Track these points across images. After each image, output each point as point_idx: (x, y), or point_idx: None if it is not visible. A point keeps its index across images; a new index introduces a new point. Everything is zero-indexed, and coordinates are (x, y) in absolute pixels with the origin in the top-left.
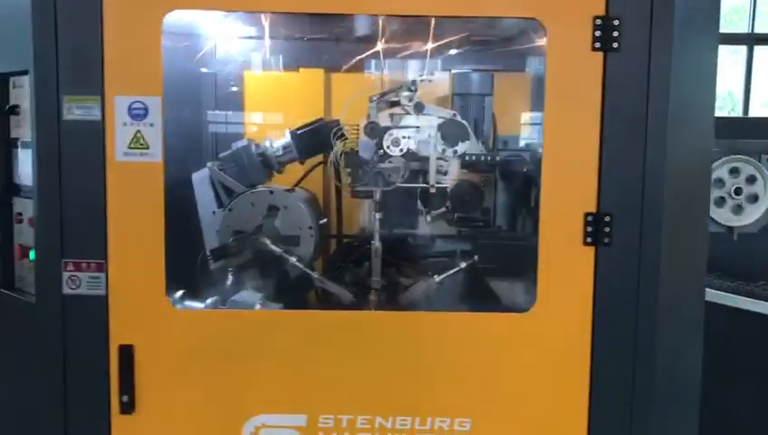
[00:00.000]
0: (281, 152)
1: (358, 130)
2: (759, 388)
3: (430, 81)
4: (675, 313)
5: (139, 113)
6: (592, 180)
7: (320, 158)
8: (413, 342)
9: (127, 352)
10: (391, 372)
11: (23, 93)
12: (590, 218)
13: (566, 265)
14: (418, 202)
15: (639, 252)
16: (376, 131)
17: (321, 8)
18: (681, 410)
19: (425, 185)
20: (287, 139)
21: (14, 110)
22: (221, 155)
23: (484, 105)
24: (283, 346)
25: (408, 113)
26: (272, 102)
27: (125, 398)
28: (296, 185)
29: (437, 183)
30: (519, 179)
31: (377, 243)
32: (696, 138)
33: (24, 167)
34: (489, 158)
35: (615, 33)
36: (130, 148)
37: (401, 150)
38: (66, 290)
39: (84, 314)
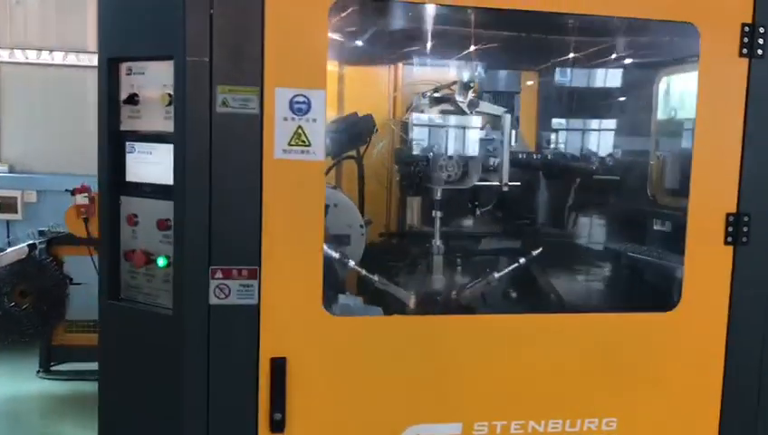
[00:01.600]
0: None
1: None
2: None
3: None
4: None
5: (301, 108)
6: (734, 181)
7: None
8: (561, 344)
9: (280, 366)
10: (542, 376)
11: (142, 81)
12: (730, 218)
13: (708, 265)
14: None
15: None
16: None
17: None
18: None
19: (497, 183)
20: None
21: (134, 99)
22: None
23: (514, 103)
24: (440, 353)
25: (457, 111)
26: None
27: (277, 416)
28: None
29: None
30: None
31: (438, 241)
32: None
33: (141, 163)
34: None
35: (760, 41)
36: (290, 145)
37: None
38: (213, 300)
39: (233, 326)
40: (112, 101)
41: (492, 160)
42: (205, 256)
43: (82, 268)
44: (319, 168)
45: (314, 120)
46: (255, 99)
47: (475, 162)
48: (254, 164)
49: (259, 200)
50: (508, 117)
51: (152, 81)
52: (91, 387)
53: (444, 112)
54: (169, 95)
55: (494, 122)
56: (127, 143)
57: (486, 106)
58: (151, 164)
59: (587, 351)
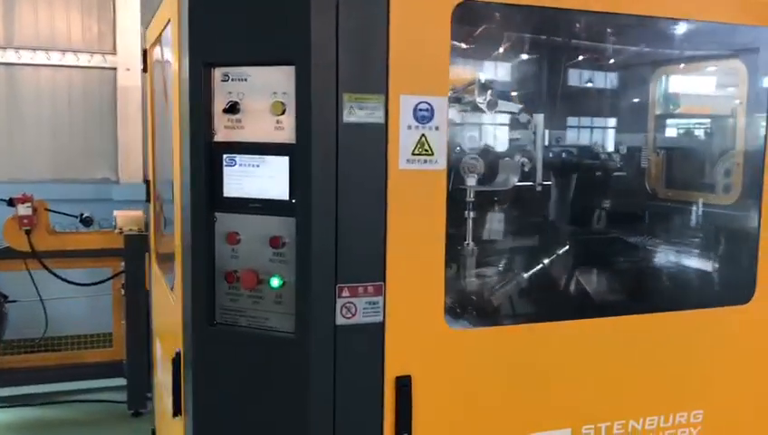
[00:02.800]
0: None
1: None
2: None
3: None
4: None
5: (424, 115)
6: None
7: None
8: (651, 342)
9: (405, 385)
10: (637, 375)
11: (243, 88)
12: None
13: None
14: None
15: None
16: None
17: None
18: None
19: (531, 183)
20: None
21: (236, 108)
22: None
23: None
24: (552, 359)
25: (475, 110)
26: None
27: None
28: None
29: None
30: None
31: (470, 244)
32: None
33: (245, 177)
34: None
35: None
36: (414, 154)
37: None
38: (340, 320)
39: (358, 346)
40: (204, 110)
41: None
42: (331, 273)
43: (16, 284)
44: (441, 177)
45: (437, 129)
46: (381, 107)
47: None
48: (380, 175)
49: (384, 212)
50: (541, 116)
51: (258, 88)
52: (34, 413)
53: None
54: (281, 103)
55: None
56: (225, 156)
57: (505, 105)
58: (259, 178)
59: (672, 347)
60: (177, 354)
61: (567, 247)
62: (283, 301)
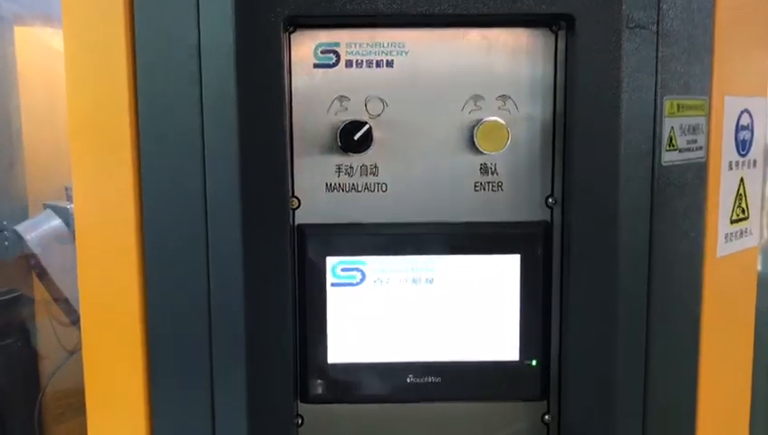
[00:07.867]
0: None
1: None
2: None
3: None
4: None
5: (744, 138)
6: None
7: None
8: None
9: None
10: None
11: (376, 86)
12: None
13: None
14: None
15: None
16: None
17: None
18: None
19: None
20: None
21: (367, 138)
22: None
23: None
24: None
25: None
26: None
27: None
28: None
29: None
30: None
31: None
32: None
33: (378, 309)
34: None
35: None
36: (732, 222)
37: None
38: None
39: None
40: (276, 147)
41: None
42: None
43: None
44: (754, 260)
45: (754, 164)
46: (704, 127)
47: None
48: (696, 273)
49: (697, 340)
50: None
51: (424, 83)
52: None
53: None
54: (502, 126)
55: None
56: (330, 261)
57: None
58: (430, 307)
59: None
60: None
61: None
62: None
